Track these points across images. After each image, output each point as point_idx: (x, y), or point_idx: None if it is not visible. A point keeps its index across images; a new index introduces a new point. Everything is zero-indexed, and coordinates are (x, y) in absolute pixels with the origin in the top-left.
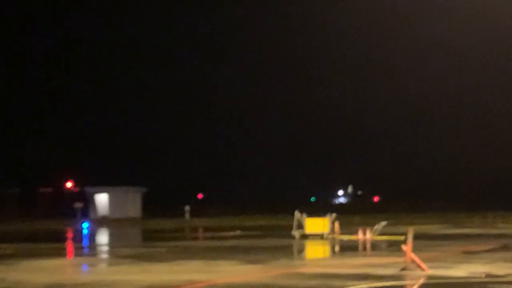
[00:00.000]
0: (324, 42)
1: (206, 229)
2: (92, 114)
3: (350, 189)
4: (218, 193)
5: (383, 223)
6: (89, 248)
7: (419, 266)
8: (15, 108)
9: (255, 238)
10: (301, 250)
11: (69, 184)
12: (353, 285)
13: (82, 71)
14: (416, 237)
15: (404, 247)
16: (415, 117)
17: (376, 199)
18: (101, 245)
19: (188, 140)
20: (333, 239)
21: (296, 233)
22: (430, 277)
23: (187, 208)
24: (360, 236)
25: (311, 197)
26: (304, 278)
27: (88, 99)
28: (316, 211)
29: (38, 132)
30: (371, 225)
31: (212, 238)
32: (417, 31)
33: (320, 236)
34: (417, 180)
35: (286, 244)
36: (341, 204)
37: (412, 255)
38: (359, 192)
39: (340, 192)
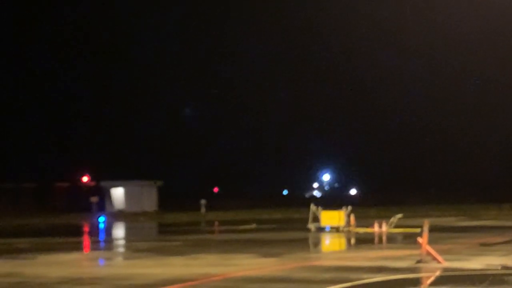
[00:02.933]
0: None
1: (222, 223)
2: (108, 108)
3: (325, 179)
4: (233, 186)
5: (399, 215)
6: (105, 242)
7: (435, 259)
8: (30, 102)
9: (270, 232)
10: (316, 243)
11: (85, 179)
12: (369, 278)
13: (96, 64)
14: (432, 229)
15: (419, 239)
16: (422, 104)
17: (353, 191)
18: (117, 239)
19: (205, 134)
20: (349, 232)
21: (311, 226)
22: (446, 269)
23: (202, 201)
24: (375, 228)
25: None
26: (319, 271)
27: (103, 92)
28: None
29: (54, 127)
30: (380, 218)
31: (228, 231)
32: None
33: (336, 229)
34: (432, 172)
35: (301, 237)
36: (314, 197)
37: (428, 248)
38: (336, 185)
39: (315, 185)
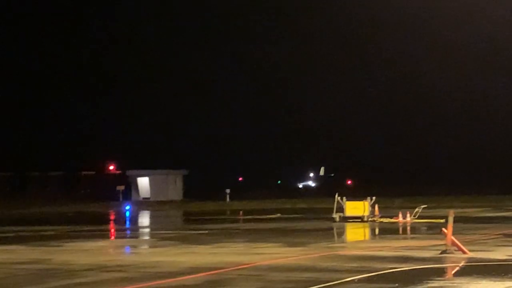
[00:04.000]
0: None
1: (247, 212)
2: (135, 96)
3: (322, 171)
4: (258, 176)
5: (423, 206)
6: (131, 230)
7: (459, 249)
8: (57, 92)
9: (295, 221)
10: (341, 233)
11: (111, 167)
12: (393, 268)
13: (133, 57)
14: (456, 220)
15: (444, 230)
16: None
17: (349, 182)
18: (143, 227)
19: (229, 123)
20: (373, 222)
21: (336, 216)
22: (470, 259)
23: (227, 191)
24: (400, 219)
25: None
26: (344, 260)
27: (130, 82)
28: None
29: (81, 116)
30: (405, 208)
31: (253, 220)
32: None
33: (360, 219)
34: (453, 163)
35: (326, 227)
36: (309, 187)
37: (453, 238)
38: (332, 174)
39: (311, 175)
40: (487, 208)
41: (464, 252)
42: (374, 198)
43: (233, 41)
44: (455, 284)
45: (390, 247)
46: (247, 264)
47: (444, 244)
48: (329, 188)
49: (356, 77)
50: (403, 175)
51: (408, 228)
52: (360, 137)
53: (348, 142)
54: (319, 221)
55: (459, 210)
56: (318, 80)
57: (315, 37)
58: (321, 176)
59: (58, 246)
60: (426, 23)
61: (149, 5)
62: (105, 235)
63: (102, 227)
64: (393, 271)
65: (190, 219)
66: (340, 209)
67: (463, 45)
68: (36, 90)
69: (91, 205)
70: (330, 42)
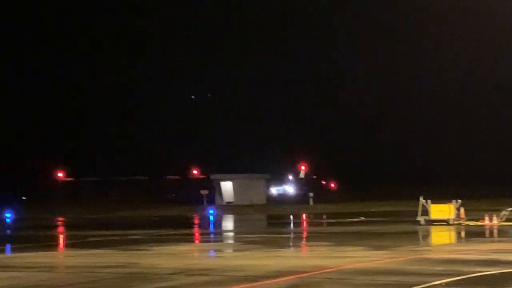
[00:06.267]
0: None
1: (330, 215)
2: (219, 102)
3: (302, 174)
4: (340, 179)
5: (510, 208)
6: (215, 234)
7: None
8: (146, 100)
9: (379, 224)
10: (426, 236)
11: (195, 172)
12: (481, 271)
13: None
14: None
15: None
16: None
17: (332, 185)
18: (227, 231)
19: (310, 127)
20: (459, 225)
21: (421, 219)
22: None
23: (311, 194)
24: (486, 221)
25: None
26: (431, 264)
27: (211, 88)
28: None
29: (164, 122)
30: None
31: (337, 224)
32: None
33: (446, 222)
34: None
35: (411, 230)
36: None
37: None
38: (314, 176)
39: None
40: None
41: None
42: (459, 201)
43: None
44: None
45: (477, 250)
46: (332, 267)
47: None
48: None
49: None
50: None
51: (495, 231)
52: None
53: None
54: (404, 224)
55: None
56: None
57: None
58: (301, 178)
59: (144, 250)
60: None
61: None
62: (189, 239)
63: (187, 231)
64: (481, 275)
65: (274, 222)
66: (425, 212)
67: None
68: (119, 98)
69: (175, 209)
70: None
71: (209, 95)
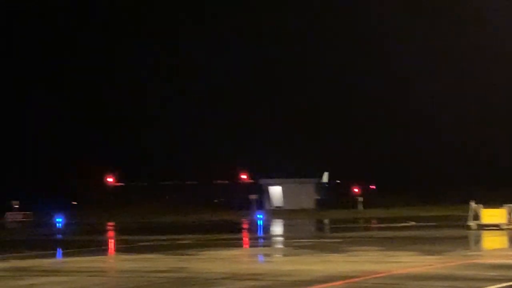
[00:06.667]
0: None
1: (380, 220)
2: (267, 107)
3: (325, 178)
4: (389, 184)
5: None
6: (264, 239)
7: None
8: (187, 104)
9: (430, 229)
10: (478, 241)
11: (244, 177)
12: None
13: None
14: None
15: None
16: None
17: (356, 190)
18: (276, 235)
19: (359, 132)
20: (511, 229)
21: (472, 223)
22: None
23: (360, 199)
24: None
25: None
26: (483, 269)
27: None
28: None
29: (213, 126)
30: None
31: (387, 228)
32: None
33: (497, 227)
34: None
35: (462, 235)
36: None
37: None
38: (337, 181)
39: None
40: None
41: None
42: (511, 205)
43: None
44: None
45: None
46: (383, 272)
47: None
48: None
49: None
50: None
51: None
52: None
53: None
54: (454, 229)
55: None
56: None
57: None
58: (324, 183)
59: (193, 254)
60: None
61: None
62: (239, 244)
63: (236, 236)
64: None
65: (323, 227)
66: (476, 216)
67: None
68: (170, 103)
69: (224, 213)
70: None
71: None
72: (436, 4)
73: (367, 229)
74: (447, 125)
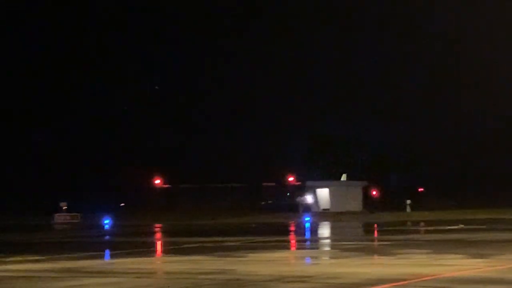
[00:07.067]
0: None
1: (428, 223)
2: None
3: (343, 179)
4: (439, 186)
5: None
6: (312, 241)
7: None
8: (235, 107)
9: (479, 232)
10: None
11: (291, 179)
12: None
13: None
14: None
15: None
16: None
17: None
18: (323, 238)
19: (405, 135)
20: None
21: None
22: None
23: (408, 201)
24: None
25: None
26: None
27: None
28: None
29: (260, 128)
30: None
31: (435, 231)
32: None
33: None
34: None
35: None
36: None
37: None
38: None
39: None
40: None
41: None
42: None
43: None
44: None
45: None
46: (431, 275)
47: None
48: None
49: None
50: None
51: None
52: None
53: None
54: (505, 232)
55: None
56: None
57: None
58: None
59: (240, 256)
60: None
61: None
62: (286, 246)
63: (283, 238)
64: None
65: (371, 230)
66: None
67: None
68: (216, 106)
69: (272, 216)
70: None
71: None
72: None
73: (415, 231)
74: (502, 125)
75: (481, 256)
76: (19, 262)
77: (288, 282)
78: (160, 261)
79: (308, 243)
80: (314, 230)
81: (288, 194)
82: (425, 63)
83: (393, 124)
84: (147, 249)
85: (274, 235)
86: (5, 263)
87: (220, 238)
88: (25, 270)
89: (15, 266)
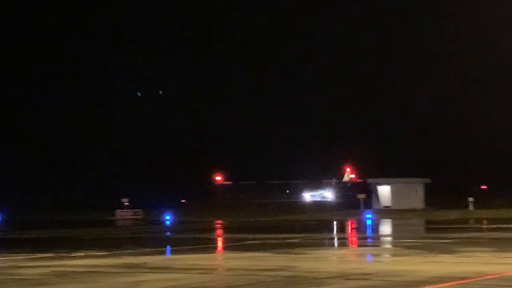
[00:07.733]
0: None
1: (491, 221)
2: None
3: (346, 177)
4: (502, 183)
5: None
6: (373, 239)
7: None
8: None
9: None
10: None
11: (352, 176)
12: None
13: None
14: None
15: None
16: None
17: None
18: (385, 235)
19: (470, 130)
20: None
21: None
22: None
23: (470, 199)
24: None
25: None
26: None
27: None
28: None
29: (322, 124)
30: None
31: (499, 229)
32: None
33: None
34: None
35: None
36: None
37: None
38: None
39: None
40: None
41: None
42: None
43: None
44: None
45: None
46: (494, 274)
47: None
48: None
49: None
50: None
51: None
52: None
53: None
54: None
55: None
56: None
57: None
58: (344, 182)
59: (301, 253)
60: None
61: None
62: (347, 243)
63: (344, 235)
64: None
65: (433, 227)
66: None
67: None
68: (280, 105)
69: (332, 213)
70: None
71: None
72: None
73: (478, 229)
74: None
75: None
76: (83, 258)
77: (350, 279)
78: (221, 257)
79: (369, 240)
80: (375, 228)
81: (349, 192)
82: None
83: None
84: (209, 245)
85: (335, 232)
86: (69, 258)
87: (281, 235)
88: (88, 265)
89: (79, 261)
